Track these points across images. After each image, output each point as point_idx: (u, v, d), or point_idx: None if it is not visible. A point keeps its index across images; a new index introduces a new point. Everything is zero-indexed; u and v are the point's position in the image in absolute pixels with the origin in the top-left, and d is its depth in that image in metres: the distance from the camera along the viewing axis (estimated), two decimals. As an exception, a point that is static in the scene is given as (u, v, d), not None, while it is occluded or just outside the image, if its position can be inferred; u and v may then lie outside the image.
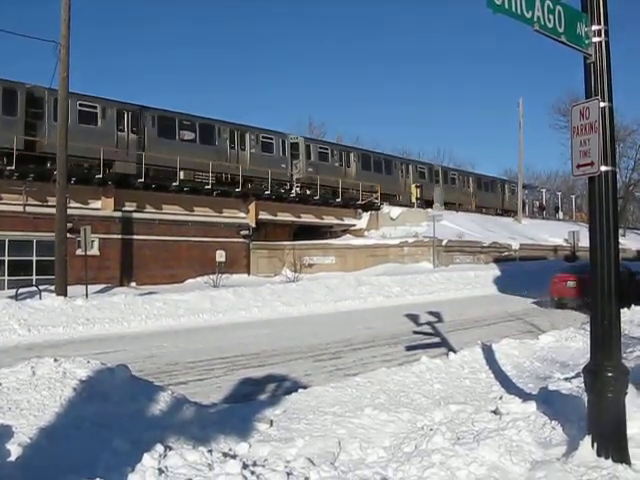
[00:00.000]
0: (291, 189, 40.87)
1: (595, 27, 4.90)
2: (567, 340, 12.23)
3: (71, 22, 20.71)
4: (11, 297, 19.67)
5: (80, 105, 30.08)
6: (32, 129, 28.85)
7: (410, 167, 51.35)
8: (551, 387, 7.07)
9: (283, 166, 40.21)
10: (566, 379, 7.90)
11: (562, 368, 9.91)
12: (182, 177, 34.23)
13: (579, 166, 4.94)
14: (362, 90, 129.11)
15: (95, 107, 31.25)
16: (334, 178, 42.65)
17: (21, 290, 21.84)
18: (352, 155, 46.07)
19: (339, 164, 44.27)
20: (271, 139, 40.19)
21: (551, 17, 4.80)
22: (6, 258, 28.38)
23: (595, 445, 4.65)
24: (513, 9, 4.60)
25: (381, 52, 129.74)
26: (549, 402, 6.15)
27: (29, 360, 7.50)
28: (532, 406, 6.13)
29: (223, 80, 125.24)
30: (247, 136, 38.60)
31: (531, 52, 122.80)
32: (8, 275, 28.13)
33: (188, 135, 35.24)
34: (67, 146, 21.39)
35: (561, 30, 4.83)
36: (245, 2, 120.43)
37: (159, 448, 5.27)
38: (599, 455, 4.61)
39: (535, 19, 4.71)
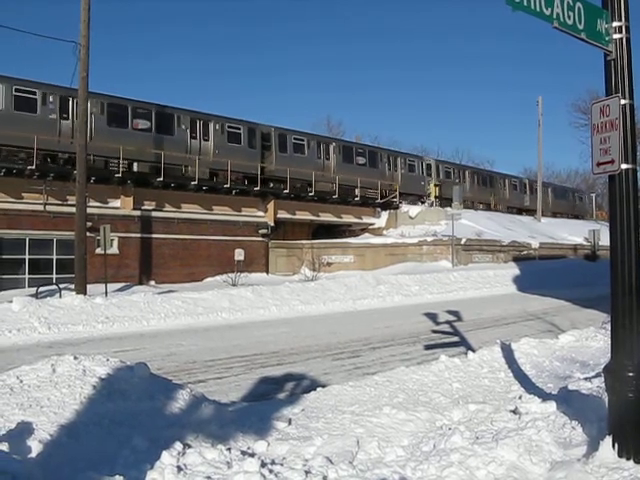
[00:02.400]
0: (423, 202, 49.23)
1: (616, 24, 4.83)
2: (587, 339, 12.08)
3: (90, 22, 20.92)
4: (32, 295, 19.81)
5: (295, 139, 40.66)
6: (262, 157, 38.40)
7: (507, 181, 61.07)
8: (571, 387, 7.00)
9: (422, 183, 50.14)
10: (586, 379, 7.81)
11: (582, 368, 9.80)
12: (357, 193, 43.27)
13: (599, 164, 4.88)
14: (380, 91, 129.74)
15: (303, 140, 41.32)
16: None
17: (41, 288, 22.08)
18: (467, 172, 56.38)
19: (458, 180, 53.37)
20: (414, 162, 50.71)
21: (571, 14, 4.73)
22: (27, 256, 28.70)
23: (616, 446, 4.59)
24: (532, 6, 4.55)
25: (397, 55, 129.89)
26: (569, 402, 6.09)
27: (49, 358, 7.53)
28: (552, 406, 6.07)
29: (236, 82, 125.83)
30: (399, 160, 48.70)
31: (550, 51, 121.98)
32: (29, 273, 28.50)
33: (361, 160, 45.28)
34: (87, 146, 21.49)
35: (581, 27, 4.77)
36: (261, 5, 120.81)
37: (178, 446, 5.29)
38: (620, 456, 4.55)
39: (554, 16, 4.64)
